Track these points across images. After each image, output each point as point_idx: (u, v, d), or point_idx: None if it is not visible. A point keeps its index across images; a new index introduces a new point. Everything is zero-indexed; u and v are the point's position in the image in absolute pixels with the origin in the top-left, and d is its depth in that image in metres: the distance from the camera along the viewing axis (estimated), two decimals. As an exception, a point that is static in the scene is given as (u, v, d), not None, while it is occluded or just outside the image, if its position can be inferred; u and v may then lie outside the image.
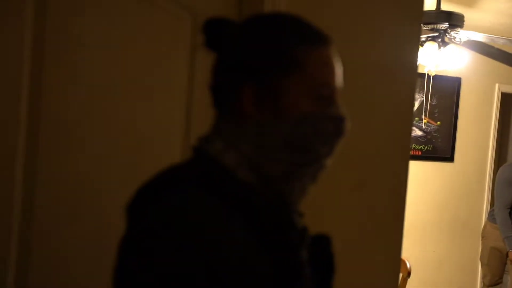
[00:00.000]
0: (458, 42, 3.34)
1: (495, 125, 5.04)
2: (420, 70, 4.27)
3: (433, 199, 4.87)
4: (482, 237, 4.41)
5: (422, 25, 3.28)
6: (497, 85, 5.00)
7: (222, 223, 0.77)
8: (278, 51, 0.83)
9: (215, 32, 0.89)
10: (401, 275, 3.29)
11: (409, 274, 3.27)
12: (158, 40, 1.36)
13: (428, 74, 4.26)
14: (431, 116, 4.79)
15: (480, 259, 4.48)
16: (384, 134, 1.61)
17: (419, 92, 4.65)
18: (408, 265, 3.29)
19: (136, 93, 1.31)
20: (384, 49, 1.60)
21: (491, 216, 4.29)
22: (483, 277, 4.44)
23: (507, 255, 4.18)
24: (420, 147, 4.76)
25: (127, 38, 1.29)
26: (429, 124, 4.79)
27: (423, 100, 4.73)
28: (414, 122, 4.74)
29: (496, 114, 5.02)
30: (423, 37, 3.35)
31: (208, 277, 0.72)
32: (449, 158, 4.88)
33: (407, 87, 1.63)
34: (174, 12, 1.43)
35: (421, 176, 4.82)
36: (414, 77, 1.66)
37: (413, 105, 1.67)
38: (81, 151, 1.23)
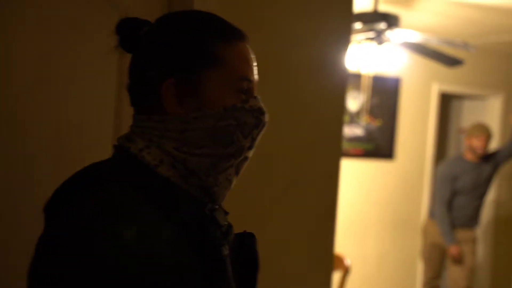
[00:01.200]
0: (395, 43, 3.47)
1: (434, 123, 5.22)
2: (359, 71, 4.40)
3: (375, 196, 5.03)
4: (423, 233, 4.58)
5: (360, 26, 3.39)
6: (435, 84, 5.19)
7: (135, 224, 0.77)
8: (196, 47, 0.87)
9: (129, 32, 0.91)
10: (340, 272, 3.40)
11: (348, 271, 3.37)
12: (91, 39, 1.37)
13: (367, 74, 4.40)
14: (373, 115, 4.94)
15: (421, 255, 4.65)
16: (315, 134, 1.67)
17: (360, 92, 4.78)
18: (347, 262, 3.39)
19: (67, 91, 1.32)
20: (314, 50, 1.66)
21: (431, 212, 4.47)
22: (424, 272, 4.62)
23: (446, 251, 4.37)
24: (362, 146, 4.89)
25: (61, 35, 1.29)
26: (370, 123, 4.93)
27: (363, 99, 4.87)
28: (356, 121, 4.86)
29: (434, 113, 5.20)
30: (360, 38, 3.46)
31: (115, 282, 0.72)
32: (390, 156, 5.04)
33: (337, 87, 1.70)
34: (106, 11, 1.45)
35: (363, 174, 4.97)
36: (344, 78, 1.72)
37: (343, 105, 1.74)
38: (8, 150, 1.22)
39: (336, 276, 3.54)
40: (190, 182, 0.87)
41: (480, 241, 5.26)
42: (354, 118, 4.86)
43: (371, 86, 4.74)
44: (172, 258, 0.79)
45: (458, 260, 4.31)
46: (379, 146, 4.99)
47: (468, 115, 5.79)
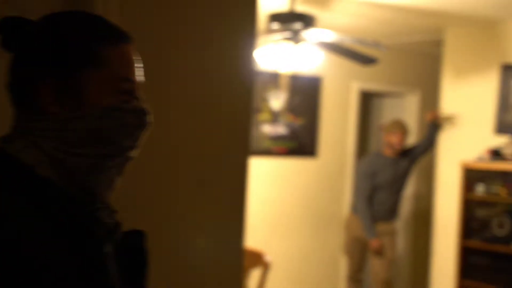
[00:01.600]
0: (312, 42, 3.56)
1: (354, 120, 5.37)
2: (278, 70, 4.47)
3: (298, 194, 5.13)
4: (345, 228, 4.71)
5: (277, 26, 3.46)
6: (355, 82, 5.34)
7: (10, 225, 0.78)
8: (76, 46, 0.88)
9: (11, 31, 0.91)
10: (260, 269, 3.41)
11: (268, 267, 3.41)
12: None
13: (285, 73, 4.48)
14: (295, 114, 5.03)
15: (344, 250, 4.78)
16: (221, 134, 1.70)
17: (282, 91, 4.87)
18: (267, 259, 3.42)
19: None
20: (219, 52, 1.69)
21: (354, 208, 4.61)
22: (347, 266, 4.75)
23: (368, 244, 4.52)
24: (285, 144, 4.98)
25: None
26: (293, 122, 5.03)
27: (286, 98, 4.96)
28: (279, 120, 4.94)
29: (355, 110, 5.35)
30: (277, 38, 3.53)
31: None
32: (313, 153, 5.16)
33: (244, 86, 1.74)
34: (4, 12, 1.42)
35: (287, 172, 5.06)
36: (251, 77, 1.76)
37: (251, 105, 1.78)
38: None
39: (256, 273, 3.58)
40: (70, 182, 0.88)
41: (400, 234, 5.46)
42: (277, 117, 4.94)
43: (290, 85, 4.82)
44: (46, 258, 0.79)
45: (379, 252, 4.47)
46: (302, 144, 5.10)
47: (388, 112, 5.96)
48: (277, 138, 4.96)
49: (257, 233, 4.83)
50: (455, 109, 4.62)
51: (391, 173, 4.49)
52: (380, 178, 4.47)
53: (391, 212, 4.57)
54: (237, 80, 1.73)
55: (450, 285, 4.45)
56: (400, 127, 4.49)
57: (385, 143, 4.55)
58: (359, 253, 4.62)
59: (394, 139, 4.46)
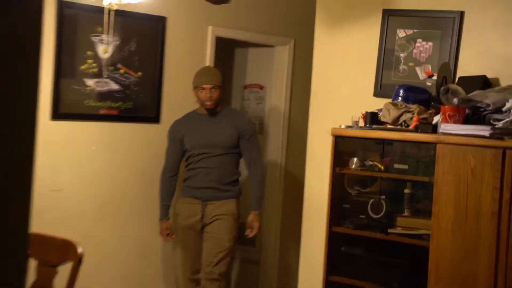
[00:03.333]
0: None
1: None
2: (101, 4, 3.78)
3: (137, 167, 4.47)
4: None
5: None
6: (210, 27, 4.79)
7: None
8: None
9: None
10: (71, 263, 2.90)
11: (81, 260, 2.89)
12: None
13: (109, 6, 3.79)
14: (130, 65, 4.34)
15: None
16: None
17: (112, 35, 4.15)
18: (79, 250, 2.90)
19: None
20: None
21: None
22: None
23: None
24: (117, 105, 4.29)
25: None
26: (127, 75, 4.33)
27: (117, 44, 4.25)
28: (109, 73, 4.24)
29: (210, 61, 4.81)
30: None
31: None
32: (155, 118, 4.51)
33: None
34: None
35: (121, 140, 4.38)
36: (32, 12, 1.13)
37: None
38: None
39: (67, 268, 2.97)
40: None
41: (269, 218, 5.06)
42: (106, 68, 4.22)
43: (121, 25, 4.14)
44: None
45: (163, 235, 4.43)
46: (140, 104, 4.43)
47: (254, 67, 5.63)
48: (105, 97, 4.25)
49: (79, 218, 4.16)
50: (330, 64, 4.28)
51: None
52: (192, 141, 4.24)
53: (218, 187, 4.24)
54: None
55: (318, 280, 4.05)
56: (208, 79, 4.19)
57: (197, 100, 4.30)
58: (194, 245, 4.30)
59: (202, 94, 4.21)
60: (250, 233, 4.29)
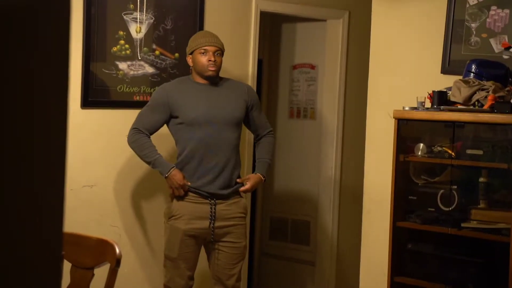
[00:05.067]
0: None
1: (253, 54, 5.01)
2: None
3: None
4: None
5: None
6: (254, 1, 4.92)
7: None
8: None
9: None
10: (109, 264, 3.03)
11: (116, 263, 2.97)
12: None
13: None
14: (166, 45, 4.48)
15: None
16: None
17: (143, 11, 4.25)
18: (117, 253, 2.97)
19: None
20: None
21: None
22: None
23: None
24: (153, 90, 4.37)
25: None
26: (163, 56, 4.43)
27: (152, 22, 4.35)
28: (143, 54, 4.34)
29: (255, 38, 4.96)
30: None
31: None
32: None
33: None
34: None
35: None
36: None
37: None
38: None
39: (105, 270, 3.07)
40: None
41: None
42: (140, 50, 4.35)
43: (150, 0, 4.29)
44: None
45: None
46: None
47: (303, 44, 5.74)
48: (139, 81, 4.37)
49: (114, 215, 4.27)
50: (390, 39, 4.36)
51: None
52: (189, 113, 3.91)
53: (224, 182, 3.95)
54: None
55: (382, 282, 4.12)
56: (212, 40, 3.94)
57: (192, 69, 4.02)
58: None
59: (204, 59, 3.88)
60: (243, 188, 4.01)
